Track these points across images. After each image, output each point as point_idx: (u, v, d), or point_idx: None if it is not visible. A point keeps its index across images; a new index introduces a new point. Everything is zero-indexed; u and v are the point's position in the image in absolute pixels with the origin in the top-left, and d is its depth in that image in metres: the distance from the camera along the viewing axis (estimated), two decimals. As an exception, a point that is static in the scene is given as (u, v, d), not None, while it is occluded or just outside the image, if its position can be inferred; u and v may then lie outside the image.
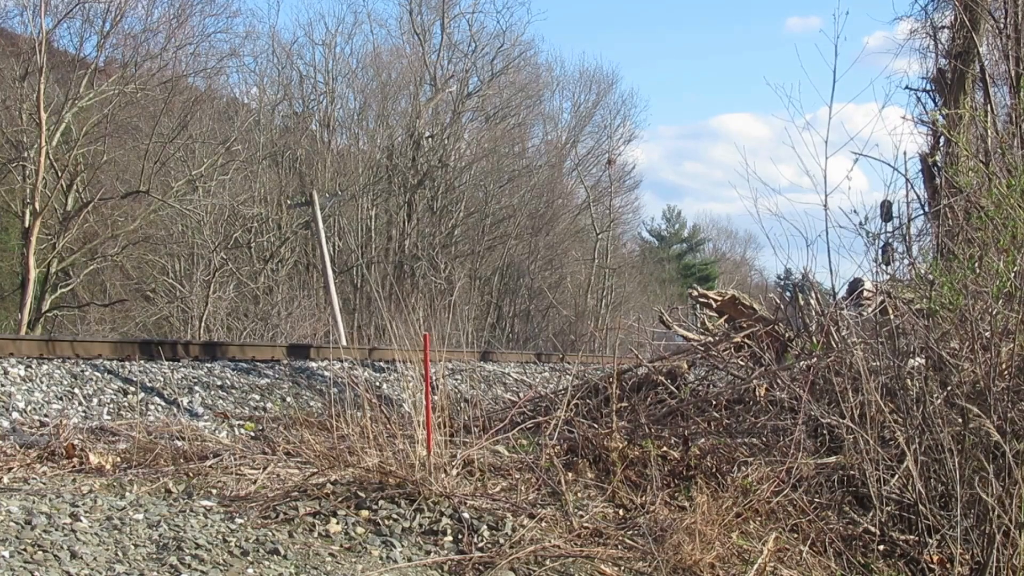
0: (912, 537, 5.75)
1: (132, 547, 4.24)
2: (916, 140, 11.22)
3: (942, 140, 10.10)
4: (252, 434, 7.26)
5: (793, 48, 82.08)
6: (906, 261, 8.24)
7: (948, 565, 5.56)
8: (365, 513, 5.02)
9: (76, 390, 8.00)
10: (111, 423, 7.03)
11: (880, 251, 7.54)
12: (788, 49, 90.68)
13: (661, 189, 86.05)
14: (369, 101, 34.88)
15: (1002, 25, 10.48)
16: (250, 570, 4.19)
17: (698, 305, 10.27)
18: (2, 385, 7.62)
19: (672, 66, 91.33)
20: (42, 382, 7.95)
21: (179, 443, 6.25)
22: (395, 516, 5.01)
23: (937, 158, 9.83)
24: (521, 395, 9.59)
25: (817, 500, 5.91)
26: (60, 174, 22.65)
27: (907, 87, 10.68)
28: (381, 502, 5.12)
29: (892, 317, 6.69)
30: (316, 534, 4.76)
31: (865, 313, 7.88)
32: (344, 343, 17.06)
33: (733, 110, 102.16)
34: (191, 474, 5.65)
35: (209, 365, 9.91)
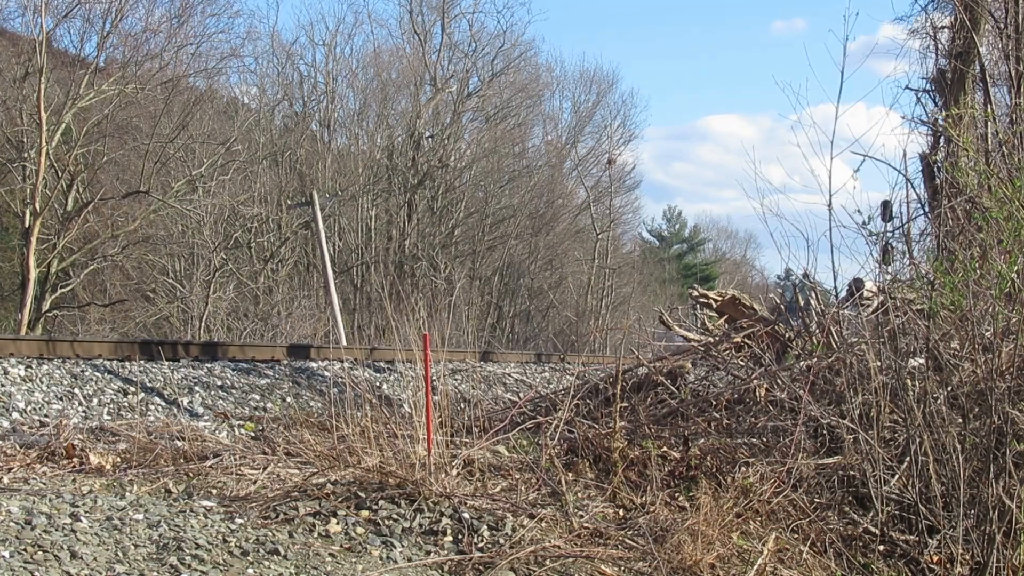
0: (912, 537, 5.75)
1: (132, 547, 4.24)
2: (917, 140, 11.22)
3: (942, 140, 10.09)
4: (252, 434, 7.26)
5: (778, 51, 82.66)
6: (907, 261, 8.25)
7: (948, 565, 5.55)
8: (365, 513, 5.02)
9: (76, 390, 7.99)
10: (111, 423, 7.03)
11: (881, 251, 7.54)
12: (775, 51, 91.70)
13: (652, 190, 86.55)
14: (369, 101, 34.90)
15: (1002, 25, 10.47)
16: (250, 570, 4.18)
17: (698, 305, 10.27)
18: (2, 385, 7.62)
19: (660, 67, 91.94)
20: (42, 382, 7.95)
21: (179, 443, 6.25)
22: (395, 516, 5.00)
23: (938, 158, 9.82)
24: (521, 395, 9.58)
25: (817, 500, 5.91)
26: (60, 174, 22.65)
27: (907, 87, 10.67)
28: (381, 502, 5.11)
29: (892, 317, 6.69)
30: (316, 534, 4.76)
31: (865, 313, 7.88)
32: (344, 343, 17.06)
33: (720, 111, 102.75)
34: (191, 474, 5.65)
35: (209, 365, 9.91)
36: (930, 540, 5.67)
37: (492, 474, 5.94)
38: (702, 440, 6.68)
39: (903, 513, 5.86)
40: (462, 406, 7.48)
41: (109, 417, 7.50)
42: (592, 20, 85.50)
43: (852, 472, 6.04)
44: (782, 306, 9.02)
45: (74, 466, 5.71)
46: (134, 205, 24.15)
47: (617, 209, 42.29)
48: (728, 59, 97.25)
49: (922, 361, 6.41)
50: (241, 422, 7.81)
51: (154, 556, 4.18)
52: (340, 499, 5.14)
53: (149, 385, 8.67)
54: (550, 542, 4.88)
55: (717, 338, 8.76)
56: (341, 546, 4.66)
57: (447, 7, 35.58)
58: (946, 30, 10.92)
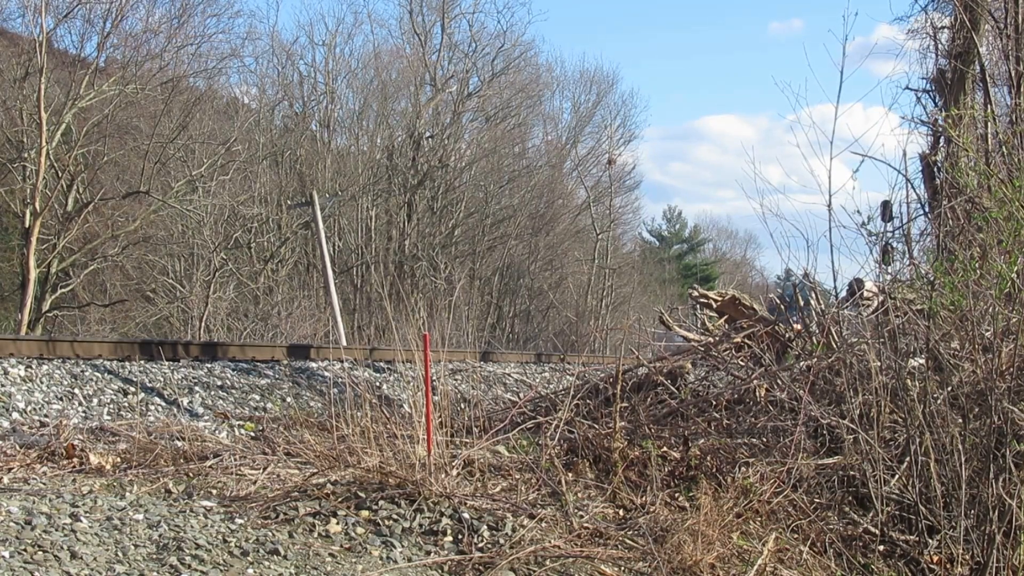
0: (912, 537, 5.75)
1: (132, 547, 4.24)
2: (917, 140, 11.22)
3: (942, 140, 10.09)
4: (252, 434, 7.26)
5: (776, 52, 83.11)
6: (907, 261, 8.25)
7: (948, 565, 5.55)
8: (365, 513, 5.02)
9: (76, 390, 7.99)
10: (111, 423, 7.03)
11: (881, 251, 7.54)
12: (772, 52, 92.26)
13: (650, 190, 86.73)
14: (369, 101, 34.89)
15: (1002, 25, 10.47)
16: (250, 570, 4.18)
17: (698, 305, 10.28)
18: (2, 385, 7.62)
19: (658, 67, 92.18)
20: (42, 382, 7.95)
21: (179, 443, 6.25)
22: (395, 516, 5.00)
23: (938, 158, 9.82)
24: (521, 395, 9.58)
25: (817, 500, 5.91)
26: (60, 174, 22.64)
27: (907, 87, 10.67)
28: (381, 502, 5.11)
29: (892, 317, 6.69)
30: (316, 534, 4.76)
31: (865, 313, 7.89)
32: (344, 343, 17.05)
33: (717, 112, 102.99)
34: (191, 474, 5.65)
35: (209, 365, 9.91)
36: (930, 540, 5.67)
37: (492, 474, 5.94)
38: (702, 440, 6.68)
39: (903, 513, 5.86)
40: (462, 406, 7.48)
41: (109, 417, 7.50)
42: (592, 20, 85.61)
43: (852, 472, 6.04)
44: (782, 305, 9.02)
45: (74, 466, 5.71)
46: (134, 205, 24.14)
47: (617, 209, 42.36)
48: (725, 60, 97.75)
49: (922, 361, 6.41)
50: (241, 422, 7.81)
51: (154, 556, 4.18)
52: (340, 499, 5.14)
53: (149, 385, 8.67)
54: (550, 542, 4.88)
55: (717, 338, 8.76)
56: (341, 546, 4.66)
57: (447, 7, 35.59)
58: (946, 30, 10.92)
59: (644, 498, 5.67)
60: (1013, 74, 10.07)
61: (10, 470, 5.47)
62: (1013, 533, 5.53)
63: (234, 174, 27.02)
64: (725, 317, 9.46)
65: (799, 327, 8.22)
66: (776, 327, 8.34)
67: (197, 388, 8.91)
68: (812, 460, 6.09)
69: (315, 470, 5.60)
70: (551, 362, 15.91)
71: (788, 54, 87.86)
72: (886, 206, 7.97)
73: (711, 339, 8.82)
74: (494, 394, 10.54)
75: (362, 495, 5.19)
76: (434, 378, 6.41)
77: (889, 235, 7.97)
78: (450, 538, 4.87)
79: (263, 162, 29.28)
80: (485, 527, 4.98)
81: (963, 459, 5.63)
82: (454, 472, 5.60)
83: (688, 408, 7.32)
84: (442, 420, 6.01)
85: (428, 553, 4.70)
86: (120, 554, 4.15)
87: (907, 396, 5.99)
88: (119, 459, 5.86)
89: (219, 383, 9.27)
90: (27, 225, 21.46)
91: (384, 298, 27.78)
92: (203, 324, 23.61)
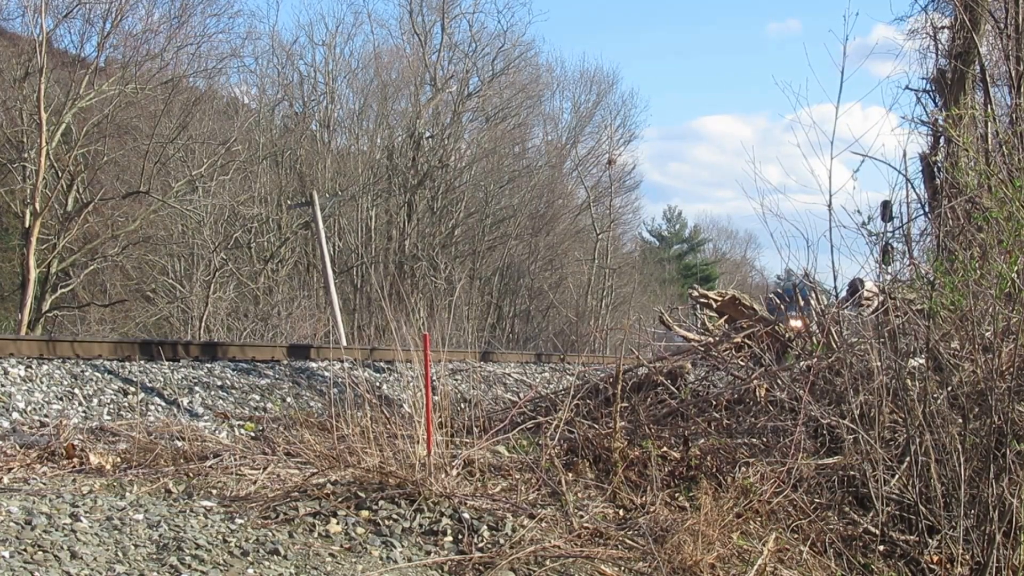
0: (912, 537, 5.75)
1: (132, 547, 4.24)
2: (917, 141, 11.23)
3: (942, 140, 10.08)
4: (252, 434, 7.26)
5: (773, 53, 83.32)
6: (907, 261, 8.25)
7: (948, 565, 5.56)
8: (365, 513, 5.02)
9: (76, 390, 7.99)
10: (111, 423, 7.03)
11: (881, 251, 7.54)
12: (770, 52, 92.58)
13: (649, 190, 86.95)
14: (369, 101, 34.90)
15: (1002, 25, 10.47)
16: (250, 570, 4.18)
17: (698, 305, 10.29)
18: (2, 385, 7.62)
19: (655, 67, 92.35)
20: (42, 382, 7.95)
21: (179, 443, 6.25)
22: (395, 516, 5.00)
23: (938, 158, 9.82)
24: (521, 395, 9.58)
25: (817, 500, 5.91)
26: (60, 174, 22.64)
27: (907, 87, 10.67)
28: (381, 502, 5.11)
29: (892, 317, 6.69)
30: (316, 534, 4.76)
31: (865, 313, 7.89)
32: (344, 343, 17.05)
33: (715, 112, 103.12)
34: (191, 474, 5.64)
35: (209, 365, 9.91)
36: (930, 540, 5.67)
37: (492, 474, 5.94)
38: (702, 440, 6.68)
39: (903, 513, 5.87)
40: (462, 406, 7.48)
41: (109, 417, 7.50)
42: (592, 20, 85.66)
43: (852, 472, 6.04)
44: (779, 302, 9.03)
45: (74, 466, 5.71)
46: (134, 205, 24.15)
47: (617, 209, 42.38)
48: (723, 60, 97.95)
49: (922, 361, 6.42)
50: (241, 422, 7.81)
51: (154, 556, 4.18)
52: (340, 499, 5.14)
53: (149, 385, 8.67)
54: (550, 542, 4.88)
55: (717, 338, 8.77)
56: (341, 546, 4.66)
57: (447, 7, 35.60)
58: (946, 30, 10.92)
59: (644, 498, 5.67)
60: (1013, 74, 10.07)
61: (10, 470, 5.47)
62: (1013, 533, 5.53)
63: (234, 174, 27.02)
64: (725, 317, 9.46)
65: (797, 324, 8.23)
66: (776, 327, 8.34)
67: (197, 388, 8.91)
68: (812, 460, 6.09)
69: (315, 470, 5.59)
70: (551, 362, 15.91)
71: (786, 54, 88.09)
72: (886, 206, 7.96)
73: (711, 339, 8.82)
74: (494, 394, 10.54)
75: (362, 495, 5.19)
76: (434, 378, 6.42)
77: (889, 235, 7.96)
78: (450, 538, 4.87)
79: (263, 162, 29.29)
80: (485, 527, 4.98)
81: (963, 459, 5.63)
82: (454, 472, 5.60)
83: (688, 408, 7.32)
84: (442, 420, 6.01)
85: (428, 553, 4.70)
86: (120, 554, 4.15)
87: (907, 396, 5.99)
88: (119, 459, 5.86)
89: (219, 383, 9.27)
90: (27, 225, 21.46)
91: (384, 298, 27.77)
92: (203, 324, 23.61)
